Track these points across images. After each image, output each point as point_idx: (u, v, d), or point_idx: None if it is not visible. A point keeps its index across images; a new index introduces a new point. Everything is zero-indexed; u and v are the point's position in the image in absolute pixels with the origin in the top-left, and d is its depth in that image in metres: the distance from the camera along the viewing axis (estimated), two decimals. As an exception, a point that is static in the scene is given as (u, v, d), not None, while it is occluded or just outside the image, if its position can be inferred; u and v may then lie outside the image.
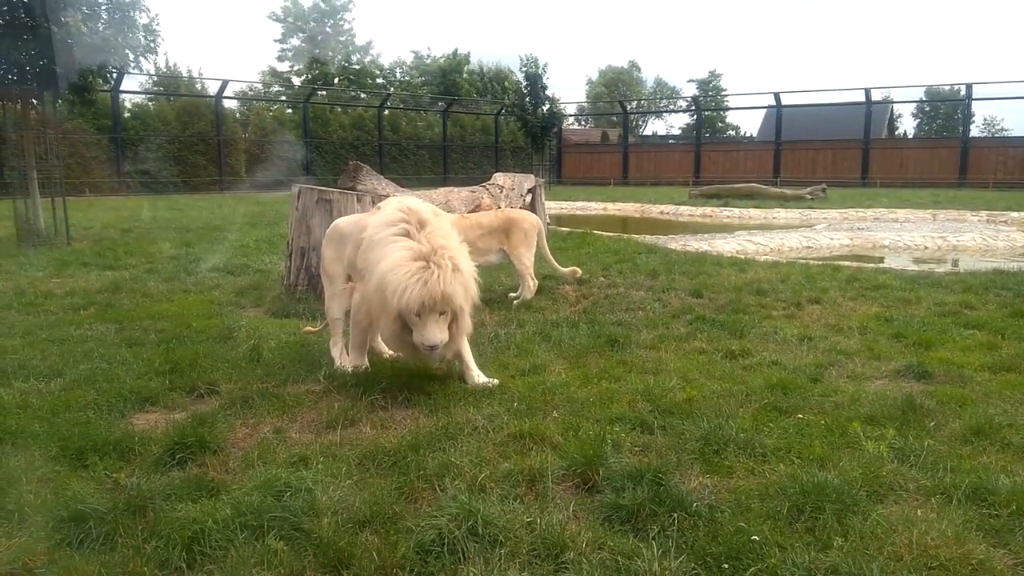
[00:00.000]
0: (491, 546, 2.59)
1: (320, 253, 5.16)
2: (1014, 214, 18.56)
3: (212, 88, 33.22)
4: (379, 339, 5.20)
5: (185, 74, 38.15)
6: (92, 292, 7.38)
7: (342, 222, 5.07)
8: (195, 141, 31.01)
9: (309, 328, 5.44)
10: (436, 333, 3.99)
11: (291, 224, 6.95)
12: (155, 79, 34.94)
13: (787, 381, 4.42)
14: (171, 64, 37.59)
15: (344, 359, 4.87)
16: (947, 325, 6.00)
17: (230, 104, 34.49)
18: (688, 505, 2.87)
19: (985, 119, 58.61)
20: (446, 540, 2.59)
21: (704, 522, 2.78)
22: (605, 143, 46.87)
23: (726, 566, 2.48)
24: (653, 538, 2.65)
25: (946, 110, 55.65)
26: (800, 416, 3.87)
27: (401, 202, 4.43)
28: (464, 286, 4.11)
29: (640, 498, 2.89)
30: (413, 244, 4.08)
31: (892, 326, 5.95)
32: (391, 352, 5.13)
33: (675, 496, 2.91)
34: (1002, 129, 57.10)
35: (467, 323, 4.21)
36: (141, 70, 25.46)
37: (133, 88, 32.96)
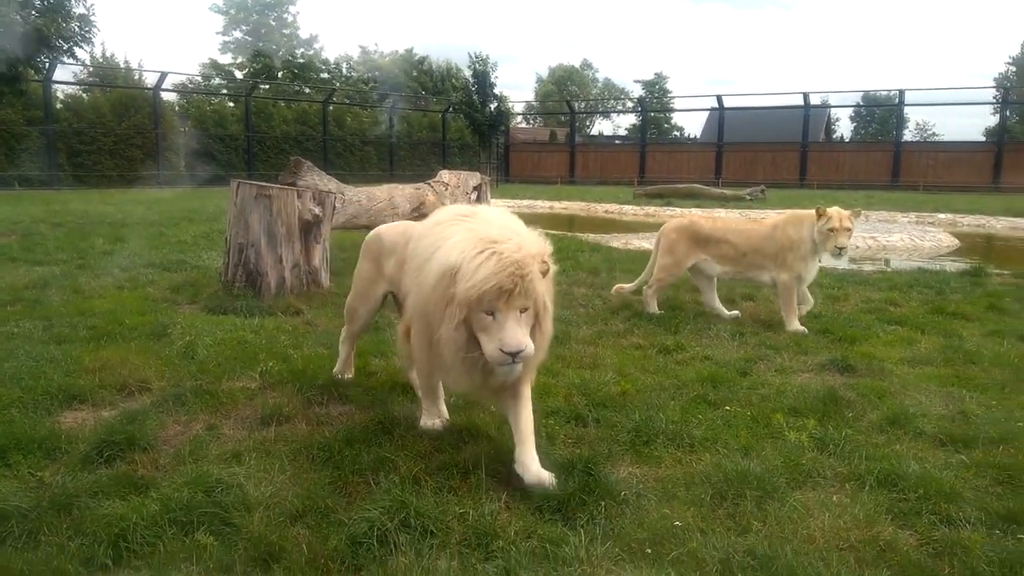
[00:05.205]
0: (422, 537, 2.63)
1: (359, 263, 4.36)
2: (941, 215, 19.38)
3: (150, 80, 32.29)
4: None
5: (122, 65, 37.09)
6: (19, 288, 7.13)
7: (384, 230, 4.25)
8: (132, 134, 30.07)
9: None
10: (519, 333, 2.86)
11: (229, 220, 6.85)
12: (90, 70, 33.85)
13: (717, 375, 4.56)
14: (107, 54, 36.60)
15: (347, 367, 4.53)
16: (871, 321, 6.26)
17: (169, 97, 33.66)
18: (617, 494, 2.96)
19: (917, 124, 60.78)
20: (377, 532, 2.62)
21: (631, 510, 2.87)
22: (553, 142, 47.17)
23: (649, 551, 2.57)
24: (581, 526, 2.73)
25: (881, 115, 57.53)
26: (728, 408, 4.01)
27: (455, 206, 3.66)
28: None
29: (571, 488, 2.97)
30: (474, 227, 3.12)
31: (820, 322, 6.18)
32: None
33: (604, 486, 3.00)
34: (933, 134, 59.36)
35: (550, 327, 3.15)
36: (75, 60, 24.68)
37: (66, 78, 31.72)
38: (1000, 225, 18.09)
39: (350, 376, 4.52)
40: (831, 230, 5.81)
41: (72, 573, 2.42)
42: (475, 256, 2.88)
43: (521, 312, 2.91)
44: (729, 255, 6.31)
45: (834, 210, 5.88)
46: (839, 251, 5.88)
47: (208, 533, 2.63)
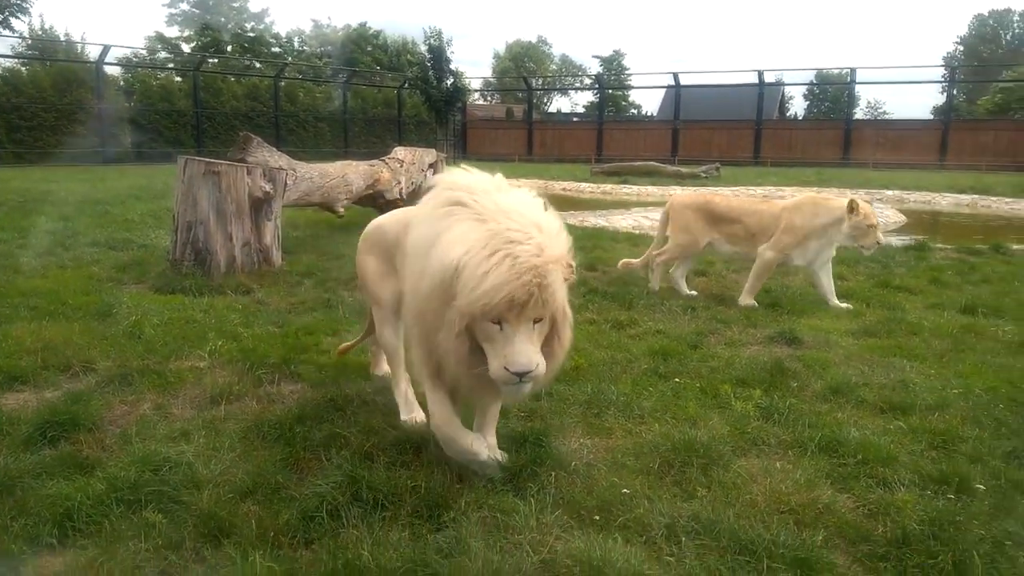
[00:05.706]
0: (374, 510, 2.65)
1: (358, 263, 3.78)
2: (889, 192, 19.84)
3: (93, 53, 31.24)
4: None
5: (62, 37, 35.81)
6: (-44, 268, 6.90)
7: (386, 220, 3.67)
8: (74, 109, 29.03)
9: (346, 345, 4.31)
10: (528, 351, 2.42)
11: (177, 197, 6.70)
12: (28, 42, 32.57)
13: (668, 348, 4.64)
14: (47, 26, 35.20)
15: (412, 405, 3.60)
16: (819, 295, 6.40)
17: (113, 71, 32.55)
18: (567, 464, 3.02)
19: (869, 102, 61.95)
20: (328, 506, 2.62)
21: (581, 479, 2.93)
22: (510, 119, 46.97)
23: (598, 517, 2.63)
24: (532, 496, 2.77)
25: (833, 93, 58.40)
26: (678, 380, 4.09)
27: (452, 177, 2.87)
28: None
29: (523, 460, 3.01)
30: (484, 215, 2.58)
31: (770, 296, 6.32)
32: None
33: (555, 457, 3.05)
34: (884, 112, 60.56)
35: (569, 335, 2.64)
36: (12, 32, 23.70)
37: (3, 51, 30.48)
38: (945, 202, 18.61)
39: (419, 418, 3.48)
40: (870, 226, 5.75)
41: (17, 552, 2.38)
42: (485, 258, 2.39)
43: (535, 323, 2.46)
44: (739, 235, 6.26)
45: (866, 204, 5.80)
46: (877, 246, 5.90)
47: (156, 511, 2.61)
